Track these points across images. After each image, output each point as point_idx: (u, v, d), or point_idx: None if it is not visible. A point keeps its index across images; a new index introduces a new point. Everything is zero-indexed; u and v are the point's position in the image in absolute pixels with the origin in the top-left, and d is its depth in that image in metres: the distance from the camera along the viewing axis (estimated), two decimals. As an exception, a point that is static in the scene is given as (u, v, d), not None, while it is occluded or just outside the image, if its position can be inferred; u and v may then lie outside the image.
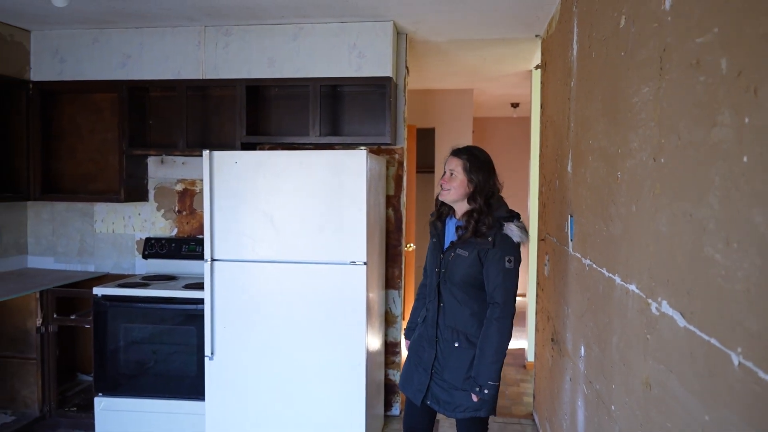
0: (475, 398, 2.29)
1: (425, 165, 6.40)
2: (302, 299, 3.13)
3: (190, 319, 3.40)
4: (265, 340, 3.17)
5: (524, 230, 2.29)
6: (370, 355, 3.24)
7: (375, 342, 3.47)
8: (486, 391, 2.25)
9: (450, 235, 2.43)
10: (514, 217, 2.32)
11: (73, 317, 3.61)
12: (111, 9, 3.35)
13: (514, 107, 6.79)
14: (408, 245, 5.42)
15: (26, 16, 3.54)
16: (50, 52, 3.84)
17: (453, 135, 6.01)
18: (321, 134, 3.59)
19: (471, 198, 2.33)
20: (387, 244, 3.87)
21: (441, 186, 2.40)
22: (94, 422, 3.46)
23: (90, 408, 3.55)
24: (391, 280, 3.89)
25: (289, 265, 3.13)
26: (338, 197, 3.08)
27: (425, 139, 6.19)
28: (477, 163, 2.34)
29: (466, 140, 6.03)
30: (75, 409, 3.68)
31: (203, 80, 3.69)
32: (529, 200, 4.79)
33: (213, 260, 3.18)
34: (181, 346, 3.45)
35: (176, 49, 3.70)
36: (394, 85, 3.63)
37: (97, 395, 3.45)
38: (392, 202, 3.87)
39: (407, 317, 5.46)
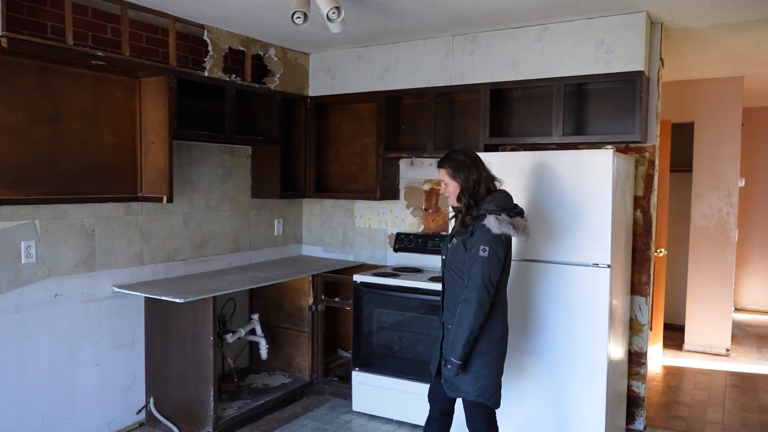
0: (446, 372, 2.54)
1: (681, 163, 5.83)
2: (543, 298, 3.16)
3: (433, 309, 3.65)
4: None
5: (509, 224, 2.45)
6: (611, 363, 3.12)
7: (617, 350, 3.32)
8: (449, 366, 2.50)
9: None
10: (503, 210, 2.49)
11: (336, 299, 4.17)
12: (374, 28, 3.78)
13: (800, 94, 5.78)
14: (658, 250, 5.02)
15: (306, 42, 4.18)
16: (323, 70, 4.47)
17: (716, 129, 5.37)
18: (564, 134, 3.55)
19: (457, 198, 2.58)
20: (634, 247, 3.66)
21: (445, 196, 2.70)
22: (351, 392, 3.95)
23: (348, 380, 4.06)
24: (637, 286, 3.67)
25: (530, 263, 3.18)
26: (582, 197, 3.03)
27: (682, 134, 5.64)
28: (455, 165, 2.56)
29: (734, 134, 5.33)
30: (336, 379, 4.24)
31: (450, 86, 3.93)
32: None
33: (456, 256, 3.38)
34: (423, 334, 3.74)
35: (427, 59, 4.01)
36: (646, 79, 3.41)
37: (354, 369, 3.93)
38: (641, 203, 3.65)
39: (654, 326, 5.07)
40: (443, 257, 2.69)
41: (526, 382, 3.22)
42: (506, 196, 2.60)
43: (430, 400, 2.81)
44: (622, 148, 3.64)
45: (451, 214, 2.74)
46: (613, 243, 3.00)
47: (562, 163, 3.09)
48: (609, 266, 2.98)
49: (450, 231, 2.76)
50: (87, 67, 3.18)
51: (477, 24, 3.65)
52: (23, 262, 3.02)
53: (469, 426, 2.67)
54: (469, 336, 2.45)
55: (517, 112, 3.93)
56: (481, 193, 2.54)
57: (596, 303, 3.02)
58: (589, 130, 3.69)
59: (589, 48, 3.47)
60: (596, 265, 3.00)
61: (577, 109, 3.71)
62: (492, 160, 3.25)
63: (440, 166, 2.62)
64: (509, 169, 3.22)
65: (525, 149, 3.81)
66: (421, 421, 3.65)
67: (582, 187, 3.03)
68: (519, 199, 3.19)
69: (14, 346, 3.01)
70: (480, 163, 2.59)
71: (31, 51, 2.84)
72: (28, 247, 3.04)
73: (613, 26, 3.40)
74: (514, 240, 2.59)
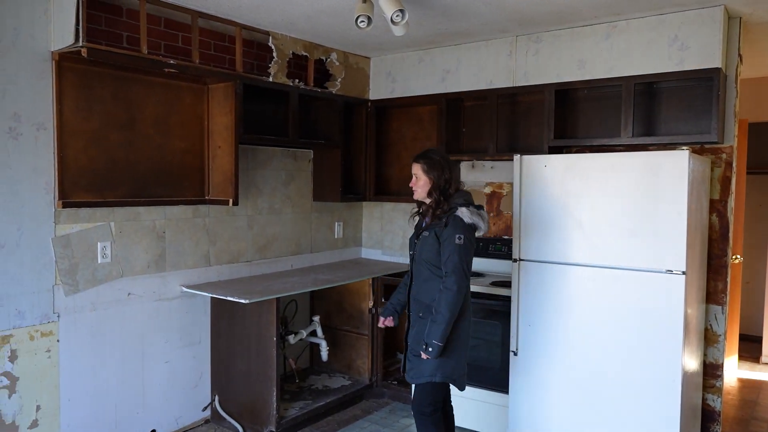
0: (423, 356, 2.67)
1: (760, 164, 5.52)
2: (610, 306, 3.05)
3: (494, 314, 3.59)
4: (569, 343, 3.17)
5: (478, 215, 2.68)
6: (686, 375, 2.98)
7: (692, 361, 3.16)
8: (430, 349, 2.63)
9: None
10: (470, 204, 2.72)
11: (396, 303, 4.16)
12: (436, 31, 3.76)
13: None
14: (735, 257, 4.76)
15: (368, 46, 4.20)
16: (384, 74, 4.48)
17: (798, 129, 5.05)
18: (633, 135, 3.42)
19: (428, 194, 2.77)
20: (709, 253, 3.48)
21: (412, 188, 2.84)
22: (411, 396, 3.92)
23: (407, 384, 4.04)
24: (712, 294, 3.49)
25: (597, 269, 3.08)
26: (653, 201, 2.91)
27: (760, 134, 5.33)
28: (431, 163, 2.76)
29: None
30: (396, 383, 4.23)
31: (513, 87, 3.86)
32: None
33: (520, 260, 3.31)
34: (485, 339, 3.67)
35: (489, 60, 3.95)
36: (723, 77, 3.25)
37: (414, 373, 3.90)
38: (717, 207, 3.47)
39: (730, 336, 4.81)
40: (411, 252, 2.88)
41: (595, 394, 3.11)
42: (470, 194, 2.86)
43: None
44: (697, 149, 3.48)
45: (414, 210, 2.94)
46: (688, 249, 2.86)
47: (634, 165, 2.97)
48: (684, 273, 2.85)
49: (414, 228, 2.94)
50: (159, 74, 3.30)
51: (541, 23, 3.57)
52: (99, 261, 3.17)
53: (415, 410, 2.82)
54: (450, 319, 2.63)
55: (582, 113, 3.81)
56: (450, 191, 2.77)
57: (670, 312, 2.88)
58: (660, 130, 3.54)
59: (662, 45, 3.33)
60: (670, 271, 2.87)
61: (647, 109, 3.56)
62: (557, 164, 3.20)
63: (416, 161, 2.82)
64: (577, 171, 3.13)
65: (591, 151, 3.69)
66: (482, 427, 3.62)
67: (655, 190, 2.91)
68: (586, 203, 3.10)
69: (90, 341, 3.15)
70: (452, 165, 2.82)
71: (108, 60, 2.96)
72: (104, 247, 3.18)
73: (687, 22, 3.25)
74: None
